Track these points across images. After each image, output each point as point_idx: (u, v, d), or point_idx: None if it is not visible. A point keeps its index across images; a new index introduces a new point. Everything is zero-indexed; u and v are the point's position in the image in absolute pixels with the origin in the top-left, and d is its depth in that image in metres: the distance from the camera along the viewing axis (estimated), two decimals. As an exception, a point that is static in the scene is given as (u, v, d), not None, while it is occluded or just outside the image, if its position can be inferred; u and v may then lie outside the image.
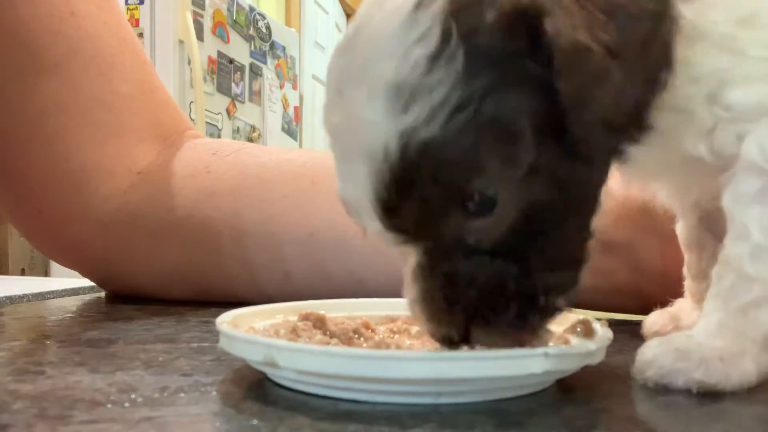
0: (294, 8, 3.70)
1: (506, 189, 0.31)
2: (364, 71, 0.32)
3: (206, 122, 2.36)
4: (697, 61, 0.36)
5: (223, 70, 2.55)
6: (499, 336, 0.33)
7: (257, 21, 2.74)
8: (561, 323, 0.40)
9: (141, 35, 2.29)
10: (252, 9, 2.71)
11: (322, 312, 0.41)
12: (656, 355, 0.36)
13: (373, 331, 0.42)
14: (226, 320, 0.38)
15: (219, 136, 2.53)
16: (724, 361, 0.35)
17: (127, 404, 0.31)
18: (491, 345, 0.33)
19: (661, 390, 0.35)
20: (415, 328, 0.42)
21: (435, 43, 0.30)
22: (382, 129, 0.31)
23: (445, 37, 0.30)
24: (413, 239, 0.33)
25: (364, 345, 0.39)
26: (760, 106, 0.36)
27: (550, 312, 0.34)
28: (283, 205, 0.66)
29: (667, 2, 0.33)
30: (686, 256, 0.50)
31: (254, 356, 0.33)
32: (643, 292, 0.57)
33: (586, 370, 0.34)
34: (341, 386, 0.32)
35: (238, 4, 2.61)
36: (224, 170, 0.69)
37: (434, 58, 0.30)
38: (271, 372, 0.34)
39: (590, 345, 0.34)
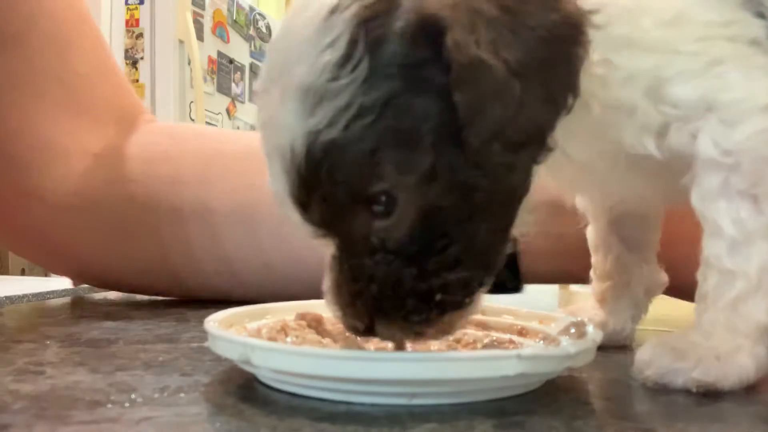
0: (294, 8, 3.70)
1: (404, 193, 0.33)
2: (281, 73, 0.33)
3: (206, 122, 2.36)
4: (626, 65, 0.37)
5: (223, 70, 2.55)
6: (398, 329, 0.34)
7: (257, 21, 2.75)
8: (557, 325, 0.40)
9: (141, 35, 2.30)
10: (252, 9, 2.71)
11: (319, 312, 0.41)
12: (655, 354, 0.36)
13: None
14: (218, 319, 0.37)
15: (219, 136, 2.53)
16: (721, 359, 0.35)
17: (127, 404, 0.31)
18: (391, 338, 0.35)
19: (661, 390, 0.35)
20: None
21: (342, 50, 0.32)
22: (291, 129, 0.32)
23: (353, 45, 0.32)
24: (327, 234, 0.34)
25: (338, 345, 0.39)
26: (703, 101, 0.37)
27: (451, 307, 0.35)
28: (249, 194, 0.65)
29: (578, 28, 0.34)
30: (593, 258, 0.51)
31: (232, 355, 0.33)
32: None
33: (586, 370, 0.34)
34: (317, 386, 0.32)
35: (238, 4, 2.61)
36: (186, 156, 0.68)
37: (341, 64, 0.32)
38: (253, 371, 0.34)
39: (570, 347, 0.34)
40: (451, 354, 0.33)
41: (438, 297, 0.34)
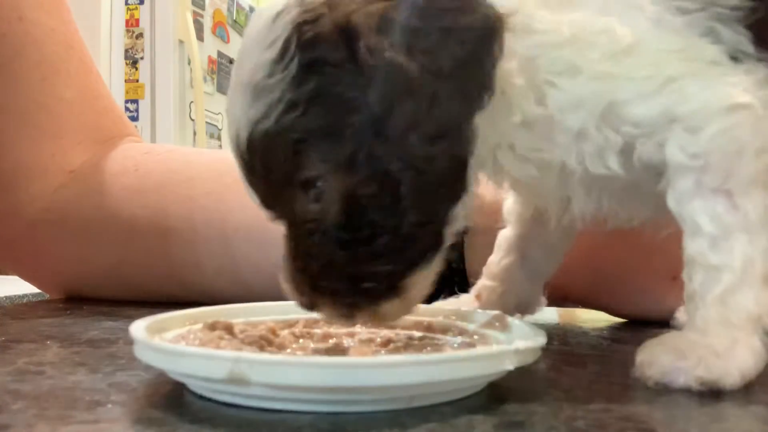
0: (294, 8, 3.70)
1: (328, 180, 0.36)
2: (236, 70, 0.38)
3: (206, 122, 2.36)
4: (572, 89, 0.39)
5: (223, 70, 2.55)
6: (331, 308, 0.38)
7: (257, 21, 2.74)
8: (476, 320, 0.41)
9: (141, 35, 2.30)
10: (252, 9, 2.71)
11: (228, 320, 0.40)
12: (656, 354, 0.36)
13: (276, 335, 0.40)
14: (142, 326, 0.35)
15: (219, 137, 2.53)
16: (721, 356, 0.35)
17: (127, 404, 0.31)
18: (328, 317, 0.39)
19: (661, 390, 0.35)
20: (318, 331, 0.41)
21: (278, 49, 0.35)
22: (238, 120, 0.37)
23: (287, 45, 0.35)
24: (276, 216, 0.38)
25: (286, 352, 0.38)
26: (665, 114, 0.38)
27: (379, 297, 0.37)
28: (205, 202, 0.66)
29: (493, 29, 0.36)
30: (494, 256, 0.54)
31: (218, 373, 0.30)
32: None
33: (585, 370, 0.34)
34: (305, 398, 0.30)
35: (238, 4, 2.61)
36: (152, 168, 0.69)
37: (276, 62, 0.35)
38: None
39: (541, 338, 0.34)
40: (449, 355, 0.33)
41: (366, 285, 0.37)
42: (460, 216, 0.38)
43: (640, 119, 0.39)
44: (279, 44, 0.35)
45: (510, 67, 0.38)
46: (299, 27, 0.35)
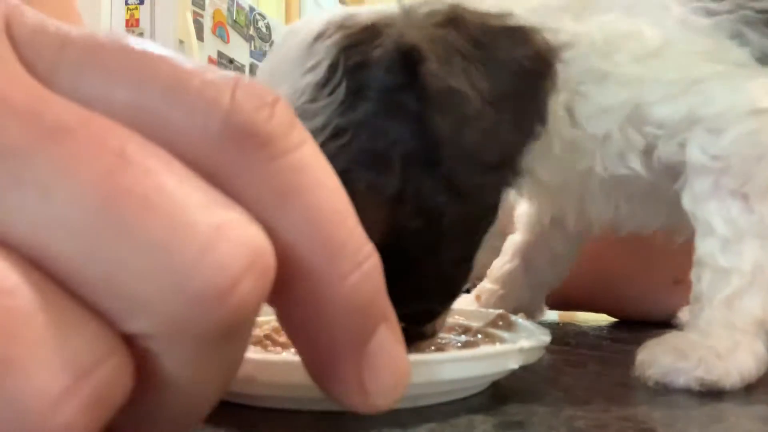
0: (294, 8, 3.70)
1: (370, 214, 0.33)
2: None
3: (206, 122, 2.36)
4: (598, 98, 0.39)
5: (223, 70, 2.55)
6: None
7: (257, 21, 2.75)
8: (480, 319, 0.42)
9: (141, 35, 2.30)
10: (252, 9, 2.71)
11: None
12: (656, 354, 0.36)
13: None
14: None
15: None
16: (722, 357, 0.35)
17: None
18: None
19: (661, 390, 0.35)
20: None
21: (323, 74, 0.33)
22: None
23: (332, 69, 0.33)
24: None
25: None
26: (689, 116, 0.38)
27: (410, 337, 0.36)
28: None
29: (547, 62, 0.36)
30: (498, 260, 0.55)
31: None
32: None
33: (585, 370, 0.34)
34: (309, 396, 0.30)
35: (238, 4, 2.61)
36: None
37: (320, 87, 0.33)
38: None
39: (545, 336, 0.35)
40: (453, 354, 0.33)
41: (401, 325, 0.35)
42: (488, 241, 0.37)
43: (664, 120, 0.39)
44: (323, 68, 0.33)
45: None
46: (345, 50, 0.34)
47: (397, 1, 0.37)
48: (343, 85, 0.33)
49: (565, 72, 0.37)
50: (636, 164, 0.40)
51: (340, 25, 0.35)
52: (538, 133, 0.36)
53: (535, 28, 0.36)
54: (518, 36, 0.36)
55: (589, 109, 0.39)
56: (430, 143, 0.33)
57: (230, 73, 0.18)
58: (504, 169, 0.35)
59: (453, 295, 0.37)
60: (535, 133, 0.36)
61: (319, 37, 0.34)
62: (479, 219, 0.36)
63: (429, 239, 0.34)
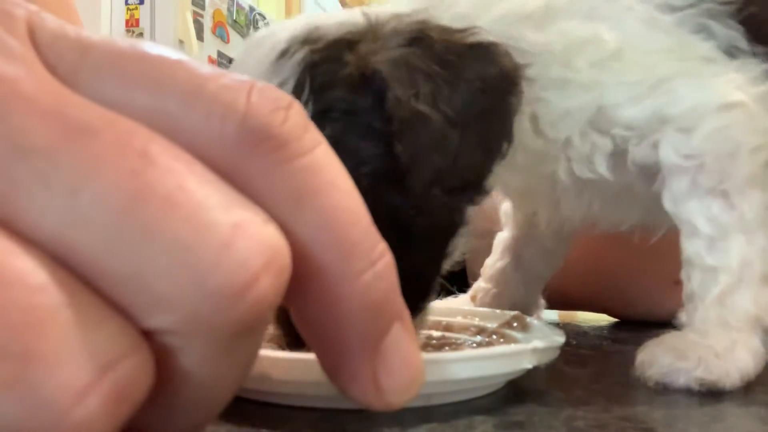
0: (294, 8, 3.70)
1: None
2: None
3: (206, 122, 2.36)
4: (559, 103, 0.39)
5: (223, 70, 2.55)
6: None
7: (257, 21, 2.75)
8: (495, 320, 0.42)
9: (141, 35, 2.30)
10: (252, 9, 2.71)
11: None
12: (656, 354, 0.37)
13: None
14: None
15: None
16: (720, 357, 0.35)
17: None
18: None
19: (661, 390, 0.35)
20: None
21: (289, 93, 0.33)
22: None
23: (299, 88, 0.33)
24: None
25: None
26: (657, 116, 0.38)
27: None
28: None
29: (513, 80, 0.36)
30: (490, 259, 0.54)
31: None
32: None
33: (585, 370, 0.34)
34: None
35: (238, 4, 2.61)
36: None
37: None
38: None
39: (559, 337, 0.35)
40: (467, 353, 0.33)
41: None
42: (459, 245, 0.38)
43: (631, 121, 0.39)
44: (289, 87, 0.33)
45: None
46: (311, 69, 0.34)
47: (363, 14, 0.37)
48: (310, 105, 0.33)
49: (529, 87, 0.37)
50: (602, 168, 0.40)
51: (305, 40, 0.35)
52: (505, 151, 0.36)
53: (500, 45, 0.36)
54: (483, 54, 0.36)
55: (550, 115, 0.39)
56: (397, 163, 0.33)
57: (245, 77, 0.18)
58: (469, 190, 0.36)
59: (425, 295, 0.37)
60: (502, 152, 0.36)
61: (284, 54, 0.34)
62: (448, 230, 0.37)
63: (399, 246, 0.34)
